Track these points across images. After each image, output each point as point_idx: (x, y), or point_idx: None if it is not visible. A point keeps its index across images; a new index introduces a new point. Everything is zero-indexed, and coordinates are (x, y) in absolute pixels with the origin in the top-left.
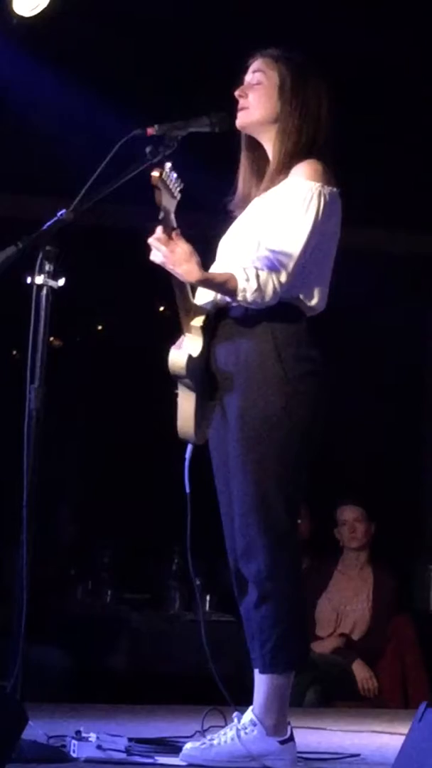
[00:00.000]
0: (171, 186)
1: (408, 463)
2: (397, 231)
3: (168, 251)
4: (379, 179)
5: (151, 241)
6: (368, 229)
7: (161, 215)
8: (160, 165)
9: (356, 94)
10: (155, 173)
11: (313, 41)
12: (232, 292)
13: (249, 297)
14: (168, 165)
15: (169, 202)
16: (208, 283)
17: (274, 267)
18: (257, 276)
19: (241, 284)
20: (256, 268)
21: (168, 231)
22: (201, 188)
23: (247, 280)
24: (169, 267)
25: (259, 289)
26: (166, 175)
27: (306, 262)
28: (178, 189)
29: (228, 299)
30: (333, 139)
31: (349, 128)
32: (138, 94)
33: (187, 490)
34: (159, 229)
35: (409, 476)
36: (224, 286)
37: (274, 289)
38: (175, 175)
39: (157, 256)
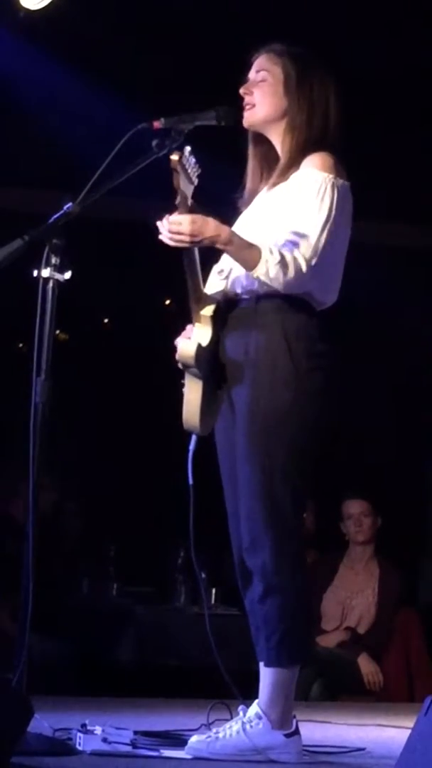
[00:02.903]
0: (189, 170)
1: (414, 457)
2: (412, 225)
3: (191, 220)
4: (393, 173)
5: (171, 222)
6: (383, 224)
7: (178, 199)
8: (180, 148)
9: (367, 89)
10: (174, 156)
11: (317, 36)
12: (254, 262)
13: (272, 270)
14: (188, 149)
15: (186, 187)
16: (237, 243)
17: (295, 256)
18: (281, 254)
19: (265, 255)
20: (280, 251)
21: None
22: (207, 181)
23: (271, 253)
24: (199, 237)
25: (283, 265)
26: (186, 159)
27: (322, 254)
28: (196, 174)
29: (238, 290)
30: (342, 132)
31: (364, 123)
32: (144, 87)
33: (191, 481)
34: (175, 213)
35: (415, 470)
36: (249, 250)
37: (297, 271)
38: (193, 159)
39: (181, 231)
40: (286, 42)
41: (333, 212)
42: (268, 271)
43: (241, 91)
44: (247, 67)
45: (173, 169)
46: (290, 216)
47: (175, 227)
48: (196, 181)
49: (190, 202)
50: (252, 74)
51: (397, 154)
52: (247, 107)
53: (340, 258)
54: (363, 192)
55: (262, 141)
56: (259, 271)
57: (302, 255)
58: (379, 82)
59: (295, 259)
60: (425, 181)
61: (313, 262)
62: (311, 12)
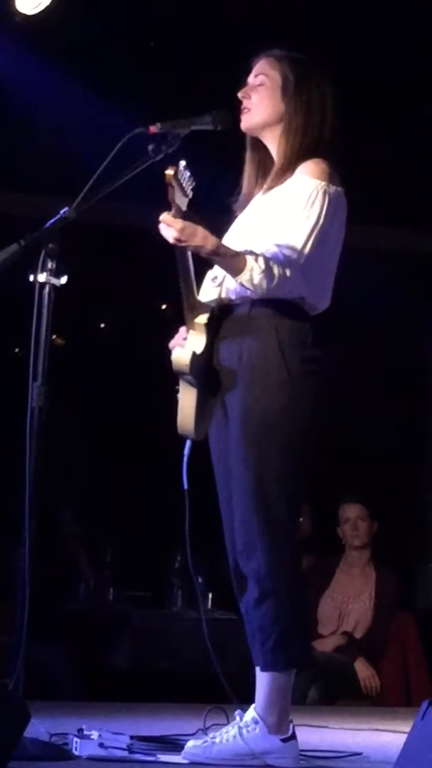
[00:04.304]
0: (184, 184)
1: (411, 461)
2: (403, 229)
3: (180, 228)
4: (391, 178)
5: (162, 218)
6: (372, 228)
7: (172, 212)
8: (175, 163)
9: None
10: (169, 171)
11: (315, 41)
12: (239, 269)
13: (256, 277)
14: (182, 163)
15: (180, 200)
16: (223, 252)
17: (280, 261)
18: (266, 261)
19: (249, 263)
20: (265, 257)
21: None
22: (203, 186)
23: (256, 260)
24: (184, 243)
25: (267, 272)
26: (180, 174)
27: (310, 260)
28: (191, 187)
29: (231, 297)
30: (339, 139)
31: (355, 126)
32: (141, 92)
33: (185, 486)
34: (165, 213)
35: (412, 474)
36: (235, 258)
37: (281, 277)
38: (188, 173)
39: (169, 232)
40: (285, 46)
41: (322, 219)
42: (252, 278)
43: (240, 94)
44: (247, 71)
45: (168, 184)
46: (279, 223)
47: (166, 221)
48: (190, 194)
49: (184, 213)
50: (251, 78)
51: (396, 158)
52: (245, 111)
53: (332, 263)
54: (361, 196)
55: (260, 146)
56: (243, 278)
57: (287, 262)
58: (377, 85)
59: (279, 266)
60: (422, 186)
61: (298, 268)
62: (310, 13)
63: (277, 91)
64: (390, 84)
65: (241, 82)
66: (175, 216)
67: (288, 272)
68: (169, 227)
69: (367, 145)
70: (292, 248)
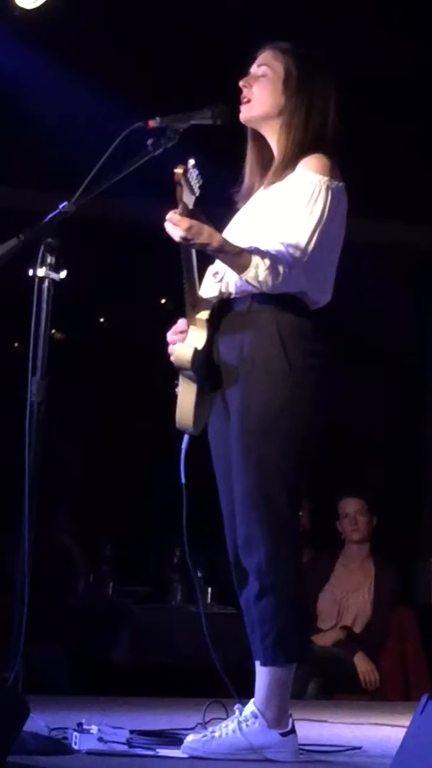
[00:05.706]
0: (192, 182)
1: (410, 456)
2: (399, 223)
3: (187, 227)
4: (391, 173)
5: (169, 217)
6: (372, 222)
7: (179, 210)
8: (183, 160)
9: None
10: (179, 170)
11: (315, 36)
12: (244, 266)
13: (261, 275)
14: (191, 162)
15: (188, 198)
16: (228, 250)
17: (284, 258)
18: (271, 258)
19: (254, 260)
20: (270, 253)
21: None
22: (204, 180)
23: (261, 258)
24: (191, 241)
25: (272, 269)
26: (189, 173)
27: (313, 257)
28: (198, 185)
29: (232, 291)
30: (341, 134)
31: (354, 120)
32: (140, 86)
33: (183, 480)
34: (171, 212)
35: (411, 469)
36: (240, 256)
37: (286, 274)
38: (196, 171)
39: (175, 231)
40: (284, 40)
41: (325, 215)
42: (257, 275)
43: (241, 83)
44: (250, 60)
45: (177, 183)
46: (282, 219)
47: (173, 221)
48: (198, 192)
49: (190, 212)
50: (253, 68)
51: (396, 152)
52: (244, 101)
53: (333, 258)
54: (360, 191)
55: (261, 137)
56: (249, 275)
57: (291, 259)
58: (375, 80)
59: (284, 263)
60: (422, 181)
61: (302, 264)
62: (310, 7)
63: (279, 84)
64: (391, 78)
65: (241, 77)
66: (181, 214)
67: (292, 269)
68: (176, 226)
69: (367, 140)
70: (297, 245)
